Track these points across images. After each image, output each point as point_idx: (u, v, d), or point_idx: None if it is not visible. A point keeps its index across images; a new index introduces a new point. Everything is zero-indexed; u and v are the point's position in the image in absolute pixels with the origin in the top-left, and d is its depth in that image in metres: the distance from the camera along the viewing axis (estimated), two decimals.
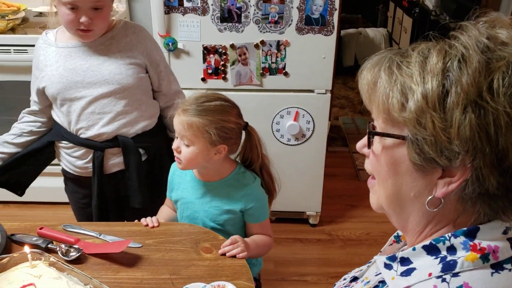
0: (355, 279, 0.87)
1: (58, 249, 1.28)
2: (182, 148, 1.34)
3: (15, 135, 1.64)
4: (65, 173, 1.69)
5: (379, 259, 0.73)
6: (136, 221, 1.42)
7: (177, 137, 1.36)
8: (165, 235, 1.36)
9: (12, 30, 2.48)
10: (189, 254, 1.28)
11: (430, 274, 0.64)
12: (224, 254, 1.28)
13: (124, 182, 1.62)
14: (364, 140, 0.73)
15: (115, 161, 1.60)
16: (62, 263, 1.18)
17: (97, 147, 1.56)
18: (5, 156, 1.64)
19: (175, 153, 1.36)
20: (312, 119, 2.35)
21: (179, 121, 1.32)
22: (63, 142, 1.60)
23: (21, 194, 1.79)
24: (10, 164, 1.65)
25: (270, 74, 2.25)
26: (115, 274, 1.22)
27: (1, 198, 2.68)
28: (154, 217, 1.41)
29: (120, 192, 1.64)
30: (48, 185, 2.42)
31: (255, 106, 2.32)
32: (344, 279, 0.93)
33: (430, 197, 0.65)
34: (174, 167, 1.51)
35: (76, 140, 1.57)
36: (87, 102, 1.52)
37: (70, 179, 1.70)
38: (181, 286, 1.15)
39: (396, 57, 0.66)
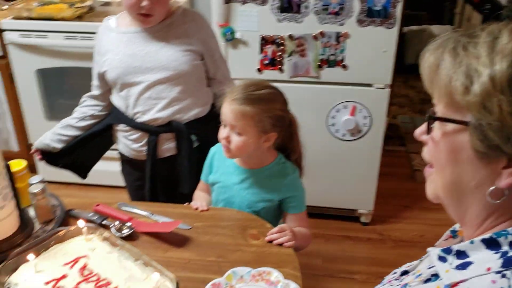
0: (405, 272, 0.84)
1: (111, 225, 1.32)
2: (232, 137, 1.33)
3: (77, 118, 1.71)
4: (121, 155, 1.74)
5: (433, 251, 0.69)
6: (186, 204, 1.44)
7: (224, 126, 1.35)
8: (213, 220, 1.37)
9: (79, 18, 2.59)
10: (236, 239, 1.29)
11: (489, 269, 0.60)
12: (271, 242, 1.27)
13: (176, 167, 1.65)
14: (423, 126, 0.70)
15: (168, 146, 1.64)
16: (115, 238, 1.22)
17: (152, 131, 1.60)
18: (68, 139, 1.71)
19: (223, 142, 1.35)
20: (370, 114, 2.29)
21: (230, 110, 1.31)
22: (120, 125, 1.65)
23: (84, 177, 1.87)
24: (73, 147, 1.73)
25: (328, 67, 2.21)
26: (164, 253, 1.24)
27: (63, 179, 2.82)
28: (203, 201, 1.43)
29: (171, 177, 1.67)
30: (106, 169, 2.51)
31: (311, 99, 2.30)
32: (394, 273, 0.90)
33: (492, 188, 0.62)
34: (214, 150, 1.52)
35: (133, 124, 1.61)
36: (144, 87, 1.55)
37: (126, 161, 1.75)
38: (227, 269, 1.16)
39: (462, 38, 0.63)
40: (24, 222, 1.29)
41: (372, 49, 2.15)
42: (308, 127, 2.33)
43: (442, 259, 0.67)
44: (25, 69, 2.69)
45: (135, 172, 1.74)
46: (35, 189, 1.29)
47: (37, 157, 1.72)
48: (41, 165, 2.95)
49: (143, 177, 1.68)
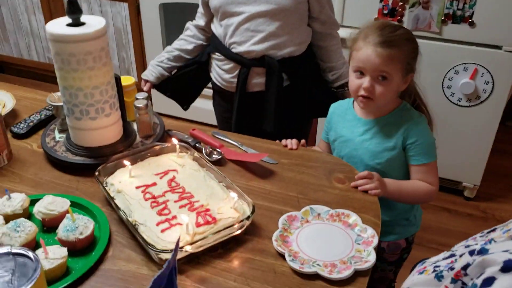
0: (493, 230, 0.77)
1: (203, 149, 1.38)
2: (376, 85, 1.26)
3: (184, 41, 1.77)
4: (213, 85, 1.78)
5: None
6: (277, 140, 1.45)
7: (361, 74, 1.28)
8: (301, 159, 1.36)
9: None
10: (321, 180, 1.27)
11: None
12: (356, 188, 1.24)
13: (262, 103, 1.65)
14: None
15: (258, 81, 1.64)
16: (204, 160, 1.27)
17: (245, 63, 1.61)
18: (172, 68, 1.78)
19: (362, 93, 1.27)
20: (492, 80, 2.09)
21: (376, 55, 1.23)
22: (216, 53, 1.68)
23: (186, 108, 1.95)
24: (178, 77, 1.80)
25: (452, 22, 2.04)
26: (247, 181, 1.27)
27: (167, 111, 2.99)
28: (294, 140, 1.42)
29: (257, 113, 1.68)
30: (205, 107, 2.61)
31: (429, 56, 2.14)
32: (482, 233, 0.83)
33: None
34: (334, 107, 1.48)
35: (228, 54, 1.63)
36: (244, 18, 1.56)
37: (217, 92, 1.80)
38: (306, 206, 1.15)
39: None
40: (127, 133, 1.39)
41: (507, 7, 1.93)
42: (422, 86, 2.20)
43: None
44: (151, 2, 2.83)
45: (224, 103, 1.78)
46: (139, 104, 1.37)
47: (144, 88, 1.81)
48: (155, 97, 3.15)
49: (231, 109, 1.72)
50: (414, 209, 1.47)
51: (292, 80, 1.65)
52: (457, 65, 2.12)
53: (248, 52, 1.59)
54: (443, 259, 0.79)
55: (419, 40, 2.15)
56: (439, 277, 0.73)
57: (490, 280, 0.59)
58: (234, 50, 1.61)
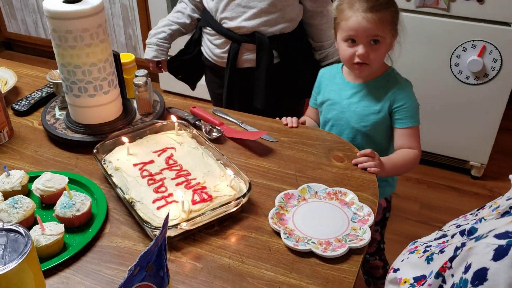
0: (483, 207, 0.76)
1: (203, 127, 1.37)
2: (370, 50, 1.28)
3: (181, 14, 1.75)
4: (205, 60, 1.77)
5: None
6: (277, 118, 1.44)
7: (353, 42, 1.29)
8: (300, 137, 1.35)
9: None
10: (320, 158, 1.27)
11: None
12: (356, 165, 1.23)
13: (253, 80, 1.64)
14: None
15: (248, 57, 1.63)
16: (203, 138, 1.26)
17: (235, 39, 1.60)
18: (168, 45, 1.76)
19: (357, 60, 1.29)
20: (501, 57, 2.04)
21: (367, 21, 1.25)
22: (207, 28, 1.67)
23: (194, 88, 1.94)
24: (183, 59, 1.81)
25: None
26: (246, 159, 1.27)
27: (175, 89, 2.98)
28: (294, 118, 1.41)
29: (248, 90, 1.68)
30: None
31: (436, 33, 2.10)
32: (473, 211, 0.82)
33: None
34: (322, 72, 1.50)
35: (219, 29, 1.62)
36: None
37: (208, 68, 1.78)
38: (303, 184, 1.15)
39: None
40: (127, 111, 1.39)
41: None
42: (429, 63, 2.17)
43: None
44: None
45: (216, 79, 1.78)
46: (139, 81, 1.37)
47: (156, 70, 1.81)
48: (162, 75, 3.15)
49: (223, 85, 1.72)
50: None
51: (282, 57, 1.64)
52: (465, 42, 2.07)
53: (238, 28, 1.58)
54: (435, 239, 0.78)
55: (427, 17, 2.12)
56: (429, 259, 0.73)
57: (481, 273, 0.57)
58: (225, 25, 1.60)
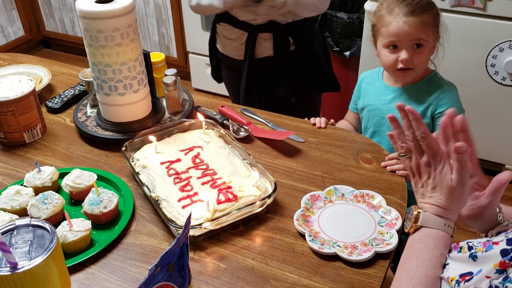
0: None
1: (231, 126, 1.37)
2: (414, 55, 1.26)
3: None
4: (220, 57, 1.78)
5: None
6: (306, 118, 1.42)
7: (395, 47, 1.27)
8: (328, 138, 1.33)
9: None
10: (348, 160, 1.25)
11: None
12: (385, 168, 1.20)
13: (271, 68, 1.65)
14: None
15: (265, 46, 1.64)
16: (230, 137, 1.26)
17: (252, 29, 1.60)
18: None
19: (401, 66, 1.27)
20: None
21: (409, 25, 1.23)
22: (222, 23, 1.68)
23: (219, 81, 1.95)
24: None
25: None
26: (273, 159, 1.26)
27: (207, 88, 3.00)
28: (323, 118, 1.39)
29: (266, 79, 1.68)
30: None
31: (472, 33, 2.04)
32: None
33: None
34: (363, 76, 1.48)
35: (234, 22, 1.63)
36: None
37: (225, 64, 1.80)
38: (329, 185, 1.13)
39: None
40: (156, 109, 1.40)
41: None
42: (464, 64, 2.11)
43: None
44: None
45: (233, 73, 1.78)
46: (168, 80, 1.38)
47: None
48: (193, 74, 3.17)
49: (240, 78, 1.72)
50: None
51: (297, 44, 1.65)
52: (502, 43, 2.00)
53: (254, 19, 1.59)
54: (479, 242, 0.76)
55: (462, 17, 2.06)
56: (473, 256, 0.71)
57: None
58: (240, 18, 1.61)
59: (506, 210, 0.90)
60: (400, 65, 1.27)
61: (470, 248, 0.75)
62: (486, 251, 0.71)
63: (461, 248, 0.77)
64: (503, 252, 0.68)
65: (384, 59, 1.31)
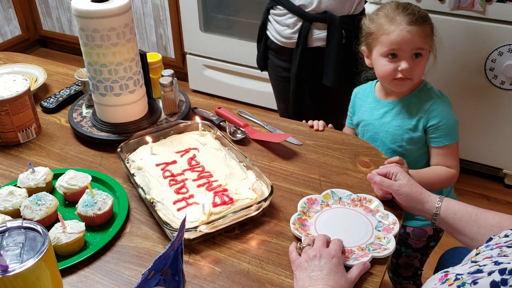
0: None
1: (227, 128, 1.36)
2: (413, 65, 1.25)
3: None
4: (270, 44, 1.78)
5: None
6: (303, 121, 1.41)
7: (393, 56, 1.25)
8: (326, 140, 1.32)
9: None
10: (345, 163, 1.23)
11: None
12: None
13: (322, 58, 1.65)
14: None
15: (319, 36, 1.64)
16: (227, 139, 1.25)
17: (307, 17, 1.61)
18: None
19: (400, 75, 1.25)
20: None
21: (412, 34, 1.22)
22: (278, 7, 1.68)
23: (262, 69, 1.94)
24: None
25: (497, 1, 1.91)
26: (270, 162, 1.25)
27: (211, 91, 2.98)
28: (321, 121, 1.38)
29: (316, 68, 1.68)
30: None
31: (471, 37, 2.03)
32: (508, 236, 0.78)
33: None
34: (356, 91, 1.47)
35: (290, 6, 1.63)
36: None
37: (273, 52, 1.78)
38: (327, 189, 1.12)
39: None
40: (152, 110, 1.39)
41: None
42: (463, 68, 2.10)
43: None
44: None
45: (281, 62, 1.77)
46: (165, 81, 1.37)
47: None
48: (191, 75, 3.16)
49: (288, 68, 1.73)
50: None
51: (348, 37, 1.65)
52: (501, 46, 2.00)
53: (310, 5, 1.60)
54: (468, 273, 0.73)
55: (461, 20, 2.06)
56: None
57: None
58: (296, 3, 1.62)
59: (446, 202, 1.03)
60: (399, 75, 1.25)
61: (457, 279, 0.72)
62: (474, 283, 0.67)
63: (447, 279, 0.75)
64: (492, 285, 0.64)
65: (381, 68, 1.28)
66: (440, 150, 1.29)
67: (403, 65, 1.24)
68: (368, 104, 1.40)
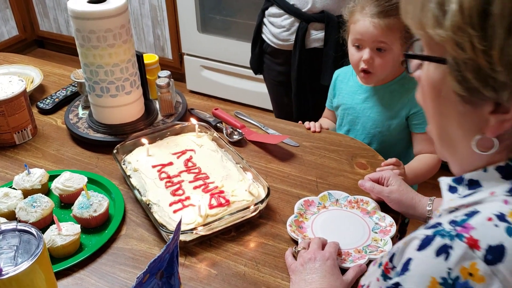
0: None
1: (224, 129, 1.36)
2: (375, 57, 1.24)
3: None
4: (266, 48, 1.75)
5: (444, 180, 0.63)
6: (299, 122, 1.41)
7: (360, 47, 1.25)
8: (323, 142, 1.32)
9: None
10: (342, 165, 1.23)
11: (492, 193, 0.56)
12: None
13: (320, 58, 1.64)
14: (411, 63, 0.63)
15: (316, 36, 1.63)
16: (223, 140, 1.25)
17: (304, 17, 1.60)
18: None
19: (362, 66, 1.25)
20: None
21: (374, 27, 1.20)
22: (274, 7, 1.65)
23: (257, 72, 1.92)
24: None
25: None
26: (266, 163, 1.24)
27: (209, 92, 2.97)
28: (317, 123, 1.38)
29: (314, 69, 1.67)
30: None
31: None
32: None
33: (478, 137, 0.56)
34: (337, 73, 1.46)
35: (286, 6, 1.61)
36: None
37: (269, 54, 1.76)
38: (324, 191, 1.12)
39: None
40: (149, 112, 1.38)
41: None
42: None
43: (452, 189, 0.62)
44: None
45: (277, 67, 1.76)
46: (161, 82, 1.36)
47: None
48: (188, 76, 3.16)
49: (284, 72, 1.72)
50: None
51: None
52: None
53: (307, 5, 1.58)
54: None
55: None
56: (379, 264, 0.68)
57: (406, 263, 0.56)
58: (292, 3, 1.60)
59: (437, 202, 1.02)
60: (362, 65, 1.26)
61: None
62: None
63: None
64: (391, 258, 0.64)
65: (350, 57, 1.30)
66: (423, 135, 1.29)
67: (365, 55, 1.24)
68: (350, 87, 1.40)
